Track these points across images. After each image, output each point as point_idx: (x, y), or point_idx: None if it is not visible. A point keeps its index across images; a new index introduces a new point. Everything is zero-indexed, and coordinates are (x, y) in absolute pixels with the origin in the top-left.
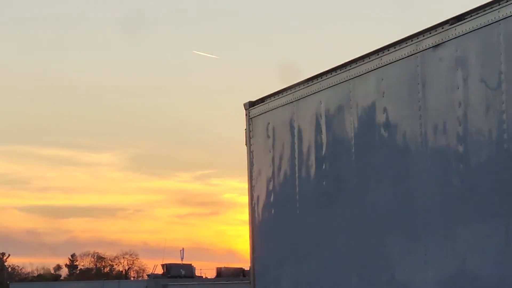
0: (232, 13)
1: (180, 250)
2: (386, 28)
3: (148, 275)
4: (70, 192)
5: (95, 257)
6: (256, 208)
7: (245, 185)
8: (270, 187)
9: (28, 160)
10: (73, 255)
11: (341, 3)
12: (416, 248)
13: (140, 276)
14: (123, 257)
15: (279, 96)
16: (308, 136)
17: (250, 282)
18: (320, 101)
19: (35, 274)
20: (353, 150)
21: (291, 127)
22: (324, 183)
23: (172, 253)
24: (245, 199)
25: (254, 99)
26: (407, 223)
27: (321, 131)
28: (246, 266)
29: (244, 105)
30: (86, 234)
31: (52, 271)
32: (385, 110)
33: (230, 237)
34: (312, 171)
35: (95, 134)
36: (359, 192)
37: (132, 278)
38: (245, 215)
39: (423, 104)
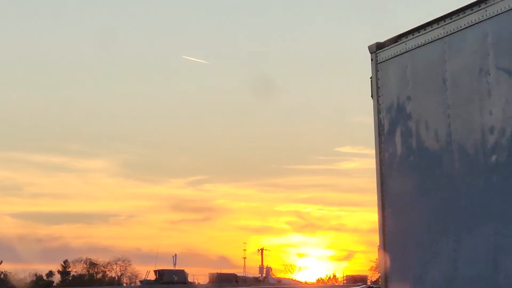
0: (221, 18)
1: (173, 256)
2: None
3: (141, 281)
4: (63, 198)
5: (87, 263)
6: (388, 172)
7: (238, 191)
8: (411, 145)
9: (20, 167)
10: (65, 262)
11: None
12: None
13: (133, 282)
14: (116, 263)
15: (421, 33)
16: (468, 80)
17: (379, 267)
18: (487, 33)
19: (28, 281)
20: None
21: (441, 70)
22: (496, 137)
23: (164, 259)
24: (238, 204)
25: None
26: None
27: (488, 72)
28: (239, 271)
29: (369, 48)
30: (78, 240)
31: (45, 278)
32: None
33: (223, 243)
34: (475, 123)
35: (87, 140)
36: None
37: (125, 284)
38: (238, 221)
39: None
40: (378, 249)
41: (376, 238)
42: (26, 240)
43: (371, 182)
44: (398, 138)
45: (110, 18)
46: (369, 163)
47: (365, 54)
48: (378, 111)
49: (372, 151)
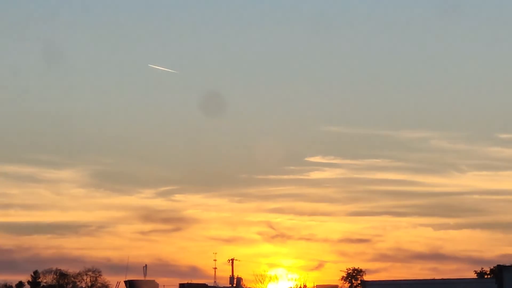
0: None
1: (143, 267)
2: None
3: None
4: (33, 209)
5: (57, 274)
6: None
7: (208, 201)
8: None
9: None
10: (35, 272)
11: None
12: None
13: None
14: (86, 274)
15: None
16: None
17: None
18: None
19: None
20: None
21: None
22: None
23: (135, 269)
24: (208, 215)
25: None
26: None
27: None
28: (210, 282)
29: None
30: (48, 251)
31: None
32: None
33: (194, 253)
34: None
35: (57, 151)
36: None
37: None
38: (208, 231)
39: None
40: None
41: (347, 248)
42: None
43: (342, 191)
44: None
45: (75, 30)
46: (340, 173)
47: None
48: None
49: (342, 161)
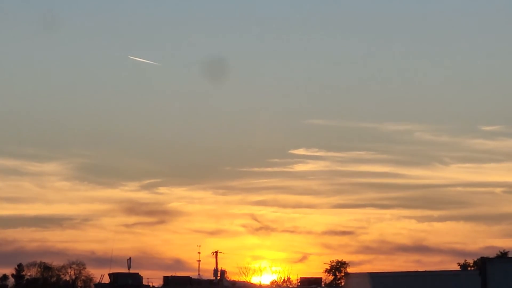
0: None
1: (127, 259)
2: None
3: (95, 285)
4: (17, 202)
5: (42, 267)
6: None
7: (192, 194)
8: None
9: None
10: (19, 265)
11: None
12: None
13: (88, 286)
14: (70, 267)
15: None
16: None
17: None
18: None
19: None
20: None
21: None
22: None
23: (119, 262)
24: (192, 207)
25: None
26: None
27: None
28: (194, 274)
29: None
30: (33, 244)
31: None
32: None
33: (178, 246)
34: None
35: (41, 144)
36: None
37: None
38: (192, 224)
39: None
40: None
41: (330, 240)
42: None
43: (326, 184)
44: None
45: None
46: (324, 165)
47: None
48: None
49: (326, 153)
